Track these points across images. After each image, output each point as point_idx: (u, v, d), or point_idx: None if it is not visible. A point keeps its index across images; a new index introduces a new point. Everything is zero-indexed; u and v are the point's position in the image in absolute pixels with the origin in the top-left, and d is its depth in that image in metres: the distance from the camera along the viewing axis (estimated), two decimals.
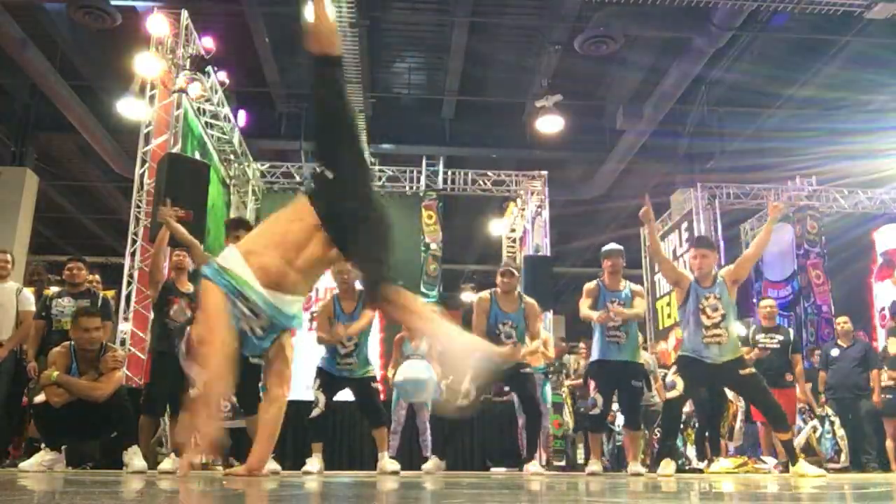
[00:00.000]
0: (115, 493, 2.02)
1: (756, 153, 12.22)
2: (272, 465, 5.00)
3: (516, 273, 5.71)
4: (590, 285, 5.69)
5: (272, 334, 2.84)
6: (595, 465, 5.56)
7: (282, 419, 3.06)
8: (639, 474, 5.33)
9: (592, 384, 5.75)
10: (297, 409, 8.11)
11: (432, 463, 5.66)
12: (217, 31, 8.90)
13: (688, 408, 7.90)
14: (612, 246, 5.74)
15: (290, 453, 7.70)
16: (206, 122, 9.26)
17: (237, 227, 5.08)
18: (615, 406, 6.51)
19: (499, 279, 5.63)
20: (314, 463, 5.32)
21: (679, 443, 8.11)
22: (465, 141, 12.04)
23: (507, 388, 5.96)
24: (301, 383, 9.87)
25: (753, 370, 5.11)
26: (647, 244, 5.43)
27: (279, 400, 3.04)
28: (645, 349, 5.87)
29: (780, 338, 7.09)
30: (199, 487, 2.63)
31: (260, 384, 5.47)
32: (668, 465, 4.99)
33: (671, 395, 5.17)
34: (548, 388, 7.38)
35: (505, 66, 10.96)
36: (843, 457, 7.61)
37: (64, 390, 4.62)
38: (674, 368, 5.24)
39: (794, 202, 11.15)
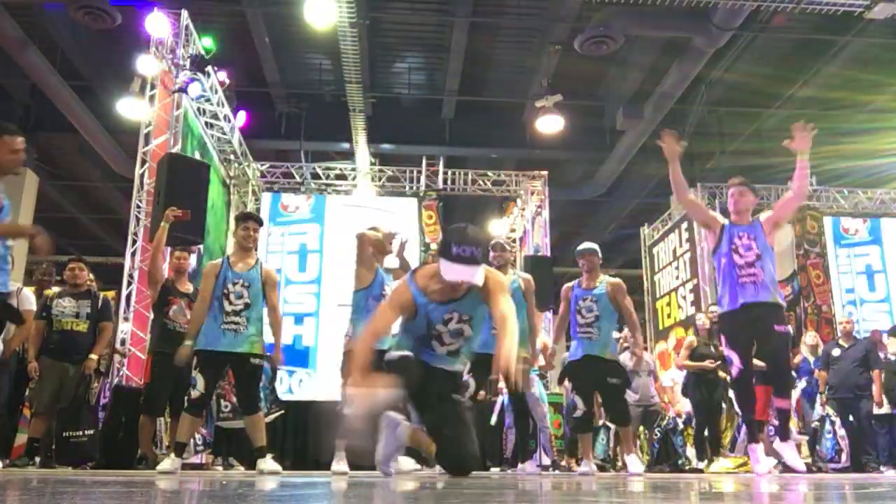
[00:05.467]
0: (115, 493, 2.02)
1: (756, 153, 12.23)
2: (272, 465, 4.99)
3: (507, 248, 5.77)
4: (566, 286, 5.74)
5: None
6: (587, 466, 5.54)
7: None
8: (639, 473, 5.33)
9: (569, 386, 5.74)
10: (297, 410, 8.15)
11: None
12: (217, 31, 8.91)
13: (687, 408, 7.91)
14: (585, 245, 5.74)
15: (290, 453, 7.71)
16: (206, 122, 9.27)
17: (246, 220, 5.17)
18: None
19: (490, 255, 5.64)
20: (341, 463, 5.08)
21: (679, 442, 8.11)
22: (465, 141, 12.04)
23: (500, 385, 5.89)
24: (307, 385, 9.90)
25: (789, 329, 4.88)
26: (673, 184, 5.07)
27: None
28: (645, 349, 5.85)
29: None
30: (199, 487, 2.63)
31: (260, 385, 5.45)
32: (759, 453, 4.68)
33: (734, 372, 4.74)
34: (542, 388, 7.37)
35: (505, 66, 10.97)
36: (843, 457, 7.61)
37: None
38: (724, 340, 4.93)
39: None
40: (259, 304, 4.95)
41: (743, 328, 4.75)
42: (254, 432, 4.99)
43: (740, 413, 5.34)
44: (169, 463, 4.60)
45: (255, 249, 5.24)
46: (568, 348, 5.91)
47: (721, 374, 7.15)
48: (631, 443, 5.85)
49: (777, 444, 4.89)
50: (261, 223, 5.31)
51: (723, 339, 4.93)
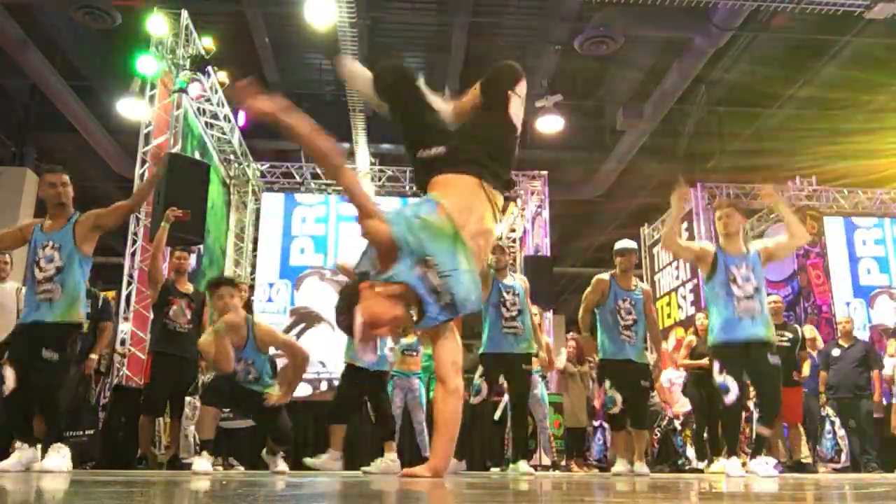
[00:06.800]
0: (115, 493, 2.02)
1: (756, 153, 12.23)
2: (281, 465, 5.01)
3: (505, 249, 5.89)
4: (602, 278, 5.62)
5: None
6: (623, 465, 5.51)
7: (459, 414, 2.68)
8: (643, 474, 5.33)
9: (608, 383, 5.67)
10: (299, 409, 8.13)
11: (452, 464, 5.61)
12: (217, 31, 8.92)
13: (687, 408, 7.91)
14: (626, 244, 5.69)
15: (291, 453, 7.68)
16: (206, 122, 9.27)
17: (217, 287, 4.92)
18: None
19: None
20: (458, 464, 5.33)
21: (679, 442, 8.11)
22: None
23: (501, 381, 5.94)
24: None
25: (779, 362, 4.82)
26: (667, 230, 5.10)
27: (459, 391, 2.66)
28: (646, 349, 5.83)
29: (790, 335, 7.03)
30: (199, 487, 2.63)
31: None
32: (734, 465, 4.71)
33: (729, 398, 4.65)
34: (543, 389, 7.36)
35: None
36: (843, 457, 7.62)
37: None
38: (718, 367, 4.78)
39: (794, 202, 11.16)
40: (266, 369, 4.93)
41: (737, 359, 4.71)
42: (275, 445, 5.01)
43: (725, 437, 5.33)
44: (204, 462, 4.55)
45: (244, 312, 4.96)
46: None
47: None
48: (643, 449, 5.83)
49: (749, 462, 4.87)
50: (233, 285, 5.00)
51: (716, 365, 4.81)
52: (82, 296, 4.39)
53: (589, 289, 5.67)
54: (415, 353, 7.21)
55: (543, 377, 7.60)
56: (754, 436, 5.14)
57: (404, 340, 6.80)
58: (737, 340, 4.65)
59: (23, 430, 4.30)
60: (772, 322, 4.88)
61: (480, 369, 5.60)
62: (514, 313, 5.52)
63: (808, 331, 8.46)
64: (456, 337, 2.66)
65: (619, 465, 5.52)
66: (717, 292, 4.76)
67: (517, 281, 5.68)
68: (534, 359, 7.01)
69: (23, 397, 4.26)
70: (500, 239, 12.58)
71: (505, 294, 5.52)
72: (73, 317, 4.27)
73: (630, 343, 5.49)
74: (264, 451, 5.10)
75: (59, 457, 4.14)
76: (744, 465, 4.94)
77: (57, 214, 4.43)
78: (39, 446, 4.28)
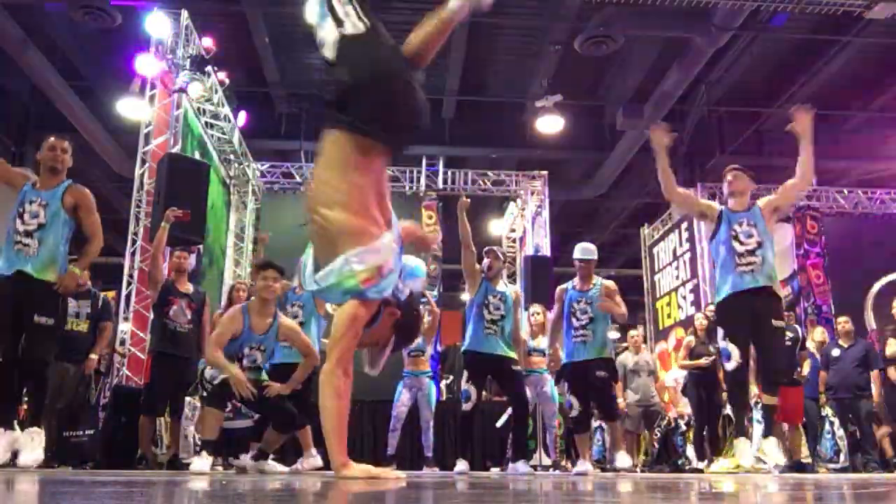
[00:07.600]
0: (115, 493, 2.02)
1: (756, 153, 12.23)
2: (278, 466, 5.00)
3: (500, 256, 5.92)
4: (561, 287, 5.83)
5: None
6: (584, 465, 5.54)
7: (326, 398, 2.54)
8: (627, 468, 5.36)
9: (565, 386, 5.78)
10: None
11: (463, 464, 5.62)
12: (217, 31, 8.91)
13: (687, 408, 7.91)
14: (583, 253, 5.80)
15: (291, 452, 7.69)
16: (206, 122, 9.28)
17: (265, 268, 4.81)
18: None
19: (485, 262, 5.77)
20: (461, 464, 5.46)
21: (679, 442, 8.11)
22: (465, 141, 12.04)
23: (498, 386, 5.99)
24: None
25: (783, 325, 4.76)
26: (663, 177, 5.04)
27: (329, 379, 2.53)
28: (608, 350, 5.85)
29: (790, 335, 7.03)
30: (200, 487, 2.63)
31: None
32: (744, 446, 4.64)
33: (730, 366, 4.58)
34: (553, 386, 7.36)
35: (505, 66, 10.97)
36: (842, 457, 7.61)
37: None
38: (721, 333, 4.72)
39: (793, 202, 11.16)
40: (267, 359, 4.89)
41: (740, 319, 4.63)
42: (272, 439, 4.93)
43: (731, 412, 5.31)
44: (203, 462, 4.47)
45: (275, 302, 4.92)
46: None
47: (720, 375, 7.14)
48: (620, 438, 5.90)
49: (763, 444, 4.83)
50: (281, 272, 4.87)
51: (720, 332, 4.76)
52: (62, 258, 4.33)
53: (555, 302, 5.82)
54: (421, 354, 7.23)
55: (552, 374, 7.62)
56: (759, 403, 5.05)
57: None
58: (737, 294, 4.59)
59: (4, 412, 4.22)
60: (776, 278, 4.76)
61: (466, 374, 5.62)
62: (496, 317, 5.56)
63: (819, 333, 8.38)
64: (336, 326, 2.61)
65: (581, 466, 5.53)
66: (720, 250, 4.74)
67: (509, 290, 5.74)
68: (540, 357, 7.04)
69: (9, 370, 4.17)
70: (501, 236, 12.60)
71: (490, 297, 5.59)
72: (51, 276, 4.21)
73: (586, 343, 5.55)
74: (249, 456, 5.00)
75: (33, 448, 4.10)
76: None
77: (49, 179, 4.40)
78: (18, 428, 4.23)
